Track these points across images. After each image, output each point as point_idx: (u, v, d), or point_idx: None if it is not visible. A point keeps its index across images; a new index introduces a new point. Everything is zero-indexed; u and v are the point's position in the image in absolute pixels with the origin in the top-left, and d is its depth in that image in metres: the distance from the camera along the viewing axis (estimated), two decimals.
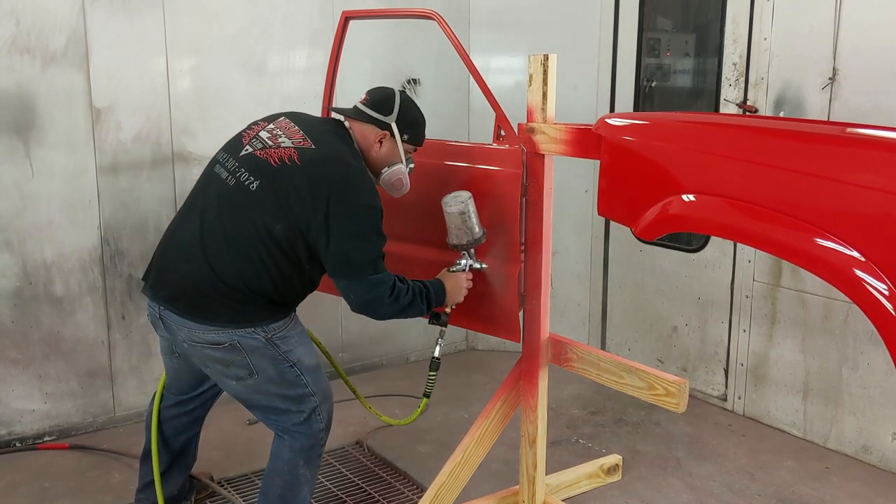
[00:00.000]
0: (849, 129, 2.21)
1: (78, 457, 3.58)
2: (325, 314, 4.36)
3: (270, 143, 2.57)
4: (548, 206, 2.78)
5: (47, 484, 3.35)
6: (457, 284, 2.78)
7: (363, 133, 2.68)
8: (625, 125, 2.46)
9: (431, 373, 2.92)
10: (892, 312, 1.73)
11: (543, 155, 2.74)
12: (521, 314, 2.88)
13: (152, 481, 2.89)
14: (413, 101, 2.76)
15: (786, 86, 3.67)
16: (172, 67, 3.78)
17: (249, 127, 2.70)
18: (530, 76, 2.72)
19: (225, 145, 2.69)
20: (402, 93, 2.75)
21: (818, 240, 1.86)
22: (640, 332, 4.54)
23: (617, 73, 4.47)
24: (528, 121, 2.76)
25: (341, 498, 3.26)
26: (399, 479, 3.40)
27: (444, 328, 2.86)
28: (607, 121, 2.48)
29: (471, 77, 2.84)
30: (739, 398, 4.05)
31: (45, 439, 3.70)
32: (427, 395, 2.96)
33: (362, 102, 2.70)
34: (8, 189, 3.51)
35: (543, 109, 2.72)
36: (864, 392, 3.52)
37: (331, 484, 3.36)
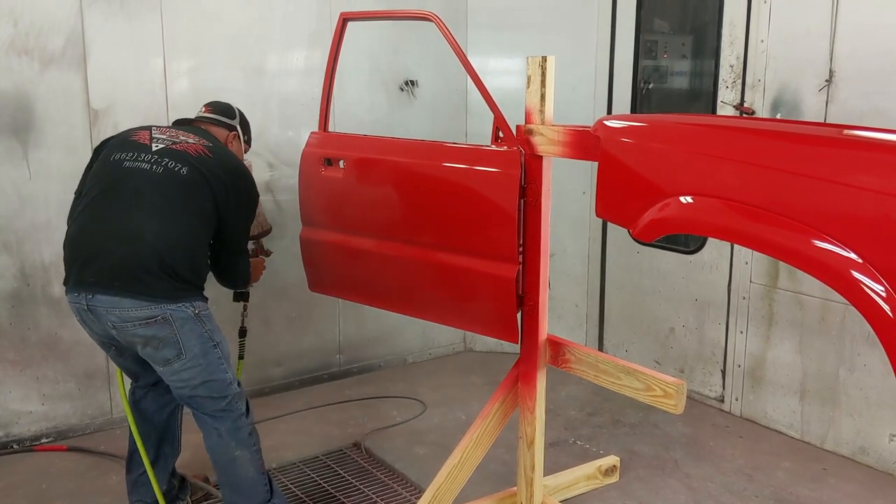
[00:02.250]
0: (845, 131, 2.22)
1: (76, 458, 3.58)
2: (323, 316, 4.36)
3: (175, 139, 2.84)
4: (546, 208, 2.78)
5: (45, 486, 3.34)
6: (257, 267, 3.32)
7: (220, 135, 3.10)
8: (622, 127, 2.46)
9: (241, 339, 3.46)
10: (890, 314, 1.74)
11: (541, 157, 2.74)
12: (518, 315, 2.89)
13: (139, 477, 2.95)
14: (242, 110, 3.26)
15: (783, 88, 3.68)
16: (170, 68, 3.78)
17: (134, 132, 2.89)
18: (528, 78, 2.73)
19: (114, 149, 2.81)
20: (230, 103, 3.24)
21: (815, 241, 1.86)
22: (637, 334, 4.55)
23: (614, 75, 4.47)
24: (526, 122, 2.77)
25: (339, 500, 3.26)
26: (397, 481, 3.40)
27: (247, 302, 3.43)
28: (605, 123, 2.49)
29: (469, 78, 2.84)
30: (737, 399, 4.06)
31: (43, 441, 3.70)
32: (241, 357, 3.44)
33: (208, 112, 3.15)
34: (6, 190, 3.51)
35: (541, 111, 2.73)
36: (861, 393, 3.53)
37: (329, 486, 3.36)
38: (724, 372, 4.11)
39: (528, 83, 2.73)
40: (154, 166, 2.73)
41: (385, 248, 3.16)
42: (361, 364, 4.55)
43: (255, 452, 2.84)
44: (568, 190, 4.48)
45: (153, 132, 2.87)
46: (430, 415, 4.03)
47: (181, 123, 3.09)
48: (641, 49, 4.38)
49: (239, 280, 3.10)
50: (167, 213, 2.68)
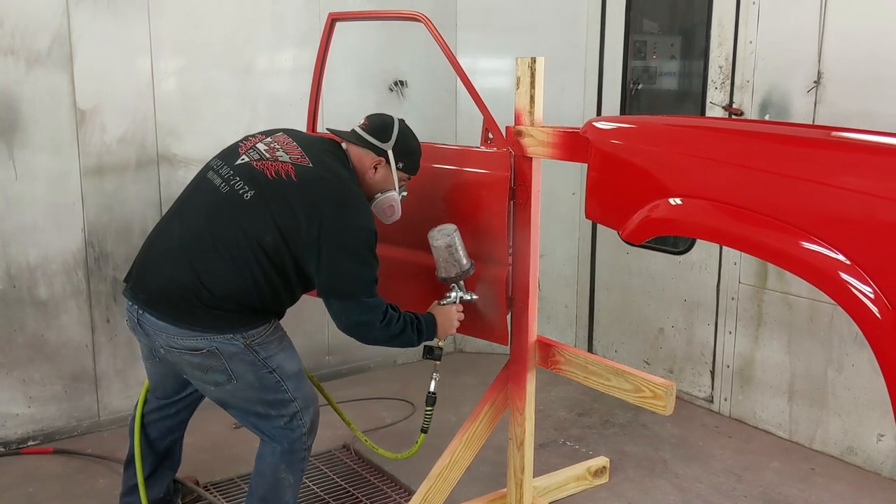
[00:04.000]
0: (834, 133, 2.23)
1: (62, 461, 3.55)
2: (312, 317, 4.33)
3: (268, 155, 2.57)
4: (535, 209, 2.78)
5: (32, 489, 3.31)
6: (448, 317, 2.78)
7: (359, 157, 2.69)
8: (612, 129, 2.46)
9: (428, 408, 2.92)
10: (877, 315, 1.74)
11: (531, 158, 2.74)
12: (509, 317, 2.89)
13: (136, 485, 2.87)
14: (411, 130, 2.77)
15: (771, 89, 3.69)
16: (158, 69, 3.75)
17: (246, 138, 2.70)
18: (518, 79, 2.72)
19: (220, 153, 2.69)
20: (402, 121, 2.77)
21: (803, 243, 1.87)
22: (626, 334, 4.55)
23: (604, 76, 4.48)
24: (515, 124, 2.77)
25: (328, 502, 3.25)
26: (387, 483, 3.40)
27: (438, 362, 2.86)
28: (594, 124, 2.49)
29: (458, 79, 2.84)
30: (726, 400, 4.07)
31: (30, 444, 3.67)
32: (424, 431, 2.95)
33: (361, 127, 2.72)
34: None
35: (531, 112, 2.72)
36: (850, 394, 3.55)
37: (318, 488, 3.35)
38: (713, 372, 4.12)
39: (518, 84, 2.73)
40: (224, 184, 2.53)
41: (379, 251, 3.14)
42: (351, 365, 4.54)
43: (298, 478, 2.71)
44: (558, 191, 4.48)
45: (259, 142, 2.62)
46: (419, 416, 4.00)
47: (330, 133, 2.78)
48: (631, 50, 4.39)
49: (353, 332, 2.57)
50: (218, 240, 2.46)
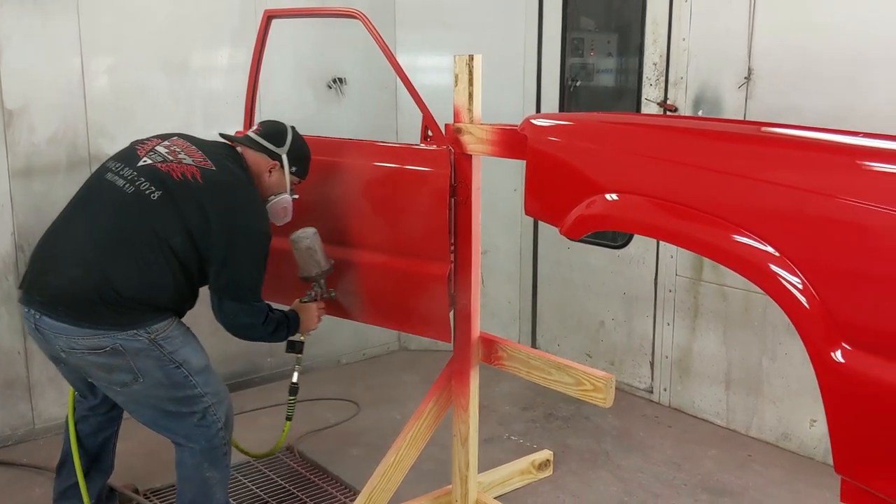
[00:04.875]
0: (763, 129, 2.29)
1: None
2: None
3: (170, 157, 2.60)
4: (476, 206, 2.79)
5: None
6: (309, 314, 2.96)
7: (255, 161, 2.78)
8: (549, 126, 2.49)
9: (291, 397, 3.08)
10: (806, 305, 1.80)
11: (471, 155, 2.75)
12: (451, 314, 2.89)
13: (68, 489, 2.82)
14: (302, 137, 2.90)
15: (704, 85, 3.77)
16: (89, 67, 3.65)
17: (140, 141, 2.72)
18: (456, 76, 2.73)
19: (115, 156, 2.70)
20: (293, 128, 2.89)
21: (735, 236, 1.91)
22: (568, 328, 4.61)
23: (542, 73, 4.52)
24: (455, 121, 2.77)
25: None
26: (331, 484, 3.37)
27: (299, 355, 3.04)
28: (532, 121, 2.50)
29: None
30: (665, 390, 4.15)
31: None
32: (289, 419, 3.10)
33: (255, 132, 2.82)
34: None
35: (470, 110, 2.73)
36: (783, 381, 3.65)
37: (261, 491, 3.31)
38: (652, 364, 4.20)
39: (456, 82, 2.73)
40: (128, 185, 2.53)
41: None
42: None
43: (225, 474, 2.70)
44: (499, 187, 4.50)
45: (158, 145, 2.65)
46: (364, 416, 4.01)
47: (223, 139, 2.84)
48: (569, 47, 4.43)
49: (239, 332, 2.69)
50: (126, 240, 2.48)
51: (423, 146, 2.83)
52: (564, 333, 4.64)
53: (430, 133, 2.82)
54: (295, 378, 3.07)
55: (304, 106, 4.31)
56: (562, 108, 4.46)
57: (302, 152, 2.87)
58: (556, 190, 2.41)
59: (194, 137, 2.76)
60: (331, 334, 4.56)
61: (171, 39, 3.88)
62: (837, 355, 1.76)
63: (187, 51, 3.93)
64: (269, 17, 3.16)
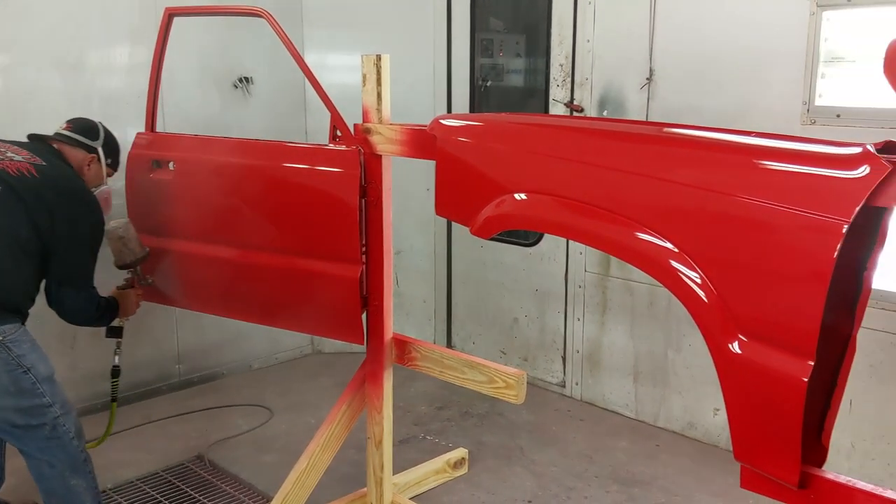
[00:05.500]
0: (665, 129, 2.35)
1: None
2: (159, 324, 4.15)
3: (0, 156, 2.62)
4: (387, 207, 2.78)
5: None
6: (128, 300, 3.11)
7: (74, 156, 2.88)
8: (457, 126, 2.50)
9: (114, 379, 3.23)
10: (704, 299, 1.86)
11: (381, 155, 2.73)
12: (364, 316, 2.87)
13: None
14: (110, 131, 3.04)
15: (608, 86, 3.86)
16: None
17: None
18: (364, 76, 2.71)
19: None
20: (101, 123, 3.01)
21: (637, 234, 1.96)
22: (483, 326, 4.65)
23: (452, 73, 4.54)
24: (363, 121, 2.75)
25: None
26: (243, 492, 3.30)
27: (119, 339, 3.20)
28: (441, 122, 2.51)
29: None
30: (577, 384, 4.23)
31: None
32: (114, 400, 3.24)
33: (66, 129, 2.92)
34: None
35: (379, 110, 2.72)
36: (688, 372, 3.78)
37: (170, 503, 3.21)
38: (564, 358, 4.28)
39: (364, 81, 2.71)
40: None
41: (222, 253, 3.06)
42: (203, 373, 4.37)
43: (91, 480, 2.67)
44: (412, 187, 4.48)
45: None
46: (277, 421, 3.94)
47: (35, 139, 2.86)
48: (478, 47, 4.47)
49: (75, 318, 2.81)
50: None
51: (332, 146, 2.81)
52: (479, 331, 4.67)
53: (338, 133, 2.80)
54: (116, 361, 3.21)
55: (209, 105, 4.20)
56: (473, 107, 4.49)
57: (115, 145, 3.03)
58: (465, 190, 2.43)
59: (13, 140, 2.81)
60: (242, 339, 4.47)
61: (64, 37, 3.71)
62: (735, 347, 1.83)
63: (82, 49, 3.77)
64: (171, 14, 3.08)
